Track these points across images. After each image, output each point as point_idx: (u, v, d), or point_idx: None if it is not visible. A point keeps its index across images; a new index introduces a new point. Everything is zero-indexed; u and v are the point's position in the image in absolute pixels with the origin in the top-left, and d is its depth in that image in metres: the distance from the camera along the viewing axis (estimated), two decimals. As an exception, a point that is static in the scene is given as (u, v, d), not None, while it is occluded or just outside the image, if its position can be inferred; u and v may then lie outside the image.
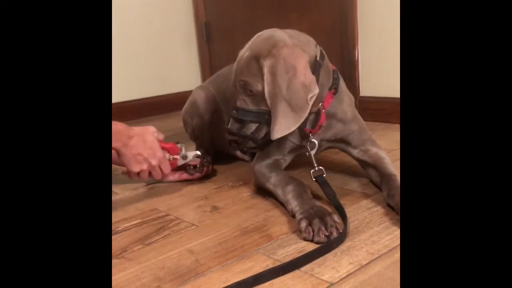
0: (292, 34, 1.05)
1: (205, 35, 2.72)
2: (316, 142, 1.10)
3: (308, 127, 1.09)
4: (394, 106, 1.82)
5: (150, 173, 1.20)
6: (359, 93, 1.98)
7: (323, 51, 1.08)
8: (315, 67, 1.03)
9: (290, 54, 1.00)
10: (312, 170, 1.08)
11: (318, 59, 1.04)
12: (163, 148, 1.22)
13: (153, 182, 1.35)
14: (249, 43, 1.07)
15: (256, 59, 1.01)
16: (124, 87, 2.45)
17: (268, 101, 1.00)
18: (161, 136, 1.24)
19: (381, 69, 1.91)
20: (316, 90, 1.00)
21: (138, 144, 1.15)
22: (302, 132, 1.12)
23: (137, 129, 1.17)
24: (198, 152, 1.33)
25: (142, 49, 2.56)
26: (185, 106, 1.50)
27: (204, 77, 2.75)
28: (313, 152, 1.10)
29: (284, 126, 1.00)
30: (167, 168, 1.22)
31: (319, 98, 1.05)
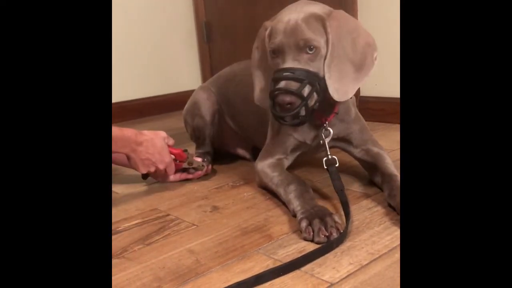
0: None
1: (206, 34, 2.72)
2: (331, 130, 1.08)
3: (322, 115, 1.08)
4: (394, 106, 1.82)
5: (154, 172, 1.27)
6: (359, 93, 1.98)
7: None
8: None
9: (349, 17, 1.02)
10: (324, 159, 1.06)
11: None
12: (171, 153, 1.28)
13: (154, 182, 1.35)
14: (288, 10, 1.01)
15: (317, 19, 0.98)
16: (125, 86, 2.45)
17: (327, 62, 0.97)
18: (171, 142, 1.29)
19: (381, 69, 1.90)
20: (377, 49, 1.02)
21: (147, 150, 1.20)
22: (309, 126, 1.11)
23: (147, 134, 1.22)
24: (204, 163, 1.34)
25: (142, 48, 2.56)
26: (186, 106, 1.50)
27: (204, 77, 2.74)
28: (327, 140, 1.08)
29: (350, 86, 0.99)
30: (172, 171, 1.29)
31: None
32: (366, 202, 1.07)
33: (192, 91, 1.53)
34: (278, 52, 1.00)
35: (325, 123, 1.08)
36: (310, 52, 0.97)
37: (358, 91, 1.97)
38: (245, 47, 1.13)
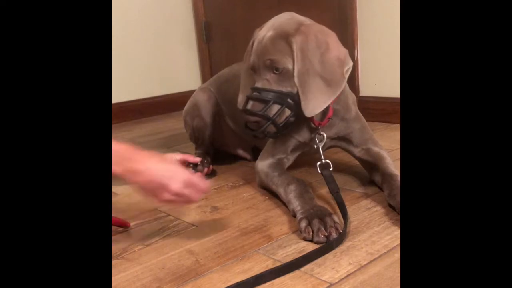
0: (309, 20, 1.06)
1: (205, 35, 2.72)
2: (325, 134, 1.09)
3: (316, 119, 1.10)
4: (394, 106, 1.82)
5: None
6: (359, 93, 1.98)
7: None
8: None
9: (320, 31, 1.01)
10: (318, 163, 1.08)
11: None
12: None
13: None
14: (268, 24, 1.05)
15: (283, 37, 1.00)
16: (124, 87, 2.45)
17: (297, 79, 0.99)
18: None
19: (381, 69, 1.91)
20: (351, 63, 1.00)
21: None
22: (308, 127, 1.12)
23: None
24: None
25: (142, 49, 2.56)
26: (186, 107, 1.50)
27: (204, 77, 2.74)
28: (321, 145, 1.09)
29: (320, 101, 0.99)
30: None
31: None
32: (366, 202, 1.07)
33: (192, 91, 1.53)
34: (254, 69, 1.05)
35: (319, 128, 1.09)
36: (277, 72, 1.01)
37: (358, 91, 1.97)
38: (245, 48, 1.14)
